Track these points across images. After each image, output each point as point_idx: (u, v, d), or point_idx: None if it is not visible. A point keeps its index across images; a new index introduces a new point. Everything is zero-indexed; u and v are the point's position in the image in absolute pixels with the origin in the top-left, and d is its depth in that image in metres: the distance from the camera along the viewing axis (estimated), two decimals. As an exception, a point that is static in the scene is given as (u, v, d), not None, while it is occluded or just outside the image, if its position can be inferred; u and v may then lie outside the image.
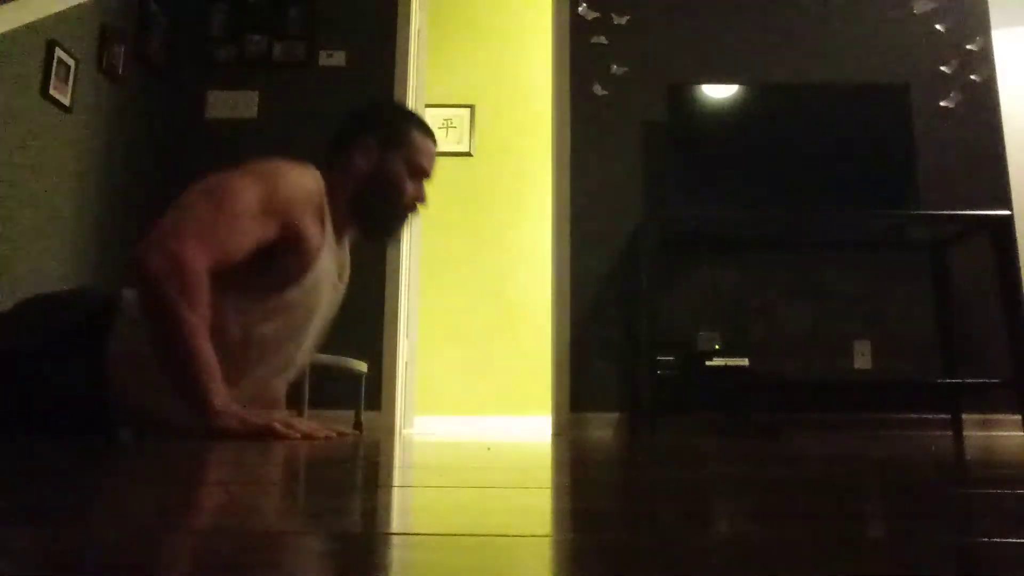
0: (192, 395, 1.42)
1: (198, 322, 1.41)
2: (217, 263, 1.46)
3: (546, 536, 0.39)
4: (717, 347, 3.14)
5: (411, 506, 0.51)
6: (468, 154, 5.09)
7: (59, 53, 2.67)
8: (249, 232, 1.48)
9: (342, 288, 1.77)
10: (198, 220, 1.44)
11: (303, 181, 1.56)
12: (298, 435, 1.47)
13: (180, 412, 1.49)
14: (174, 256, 1.40)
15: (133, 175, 3.24)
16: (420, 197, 1.74)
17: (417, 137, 1.72)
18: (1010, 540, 0.37)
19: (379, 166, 1.67)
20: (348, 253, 1.81)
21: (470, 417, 4.74)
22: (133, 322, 1.51)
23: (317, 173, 1.63)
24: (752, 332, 3.23)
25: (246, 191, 1.48)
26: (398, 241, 1.82)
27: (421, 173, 1.73)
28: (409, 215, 1.76)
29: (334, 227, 1.65)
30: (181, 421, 1.53)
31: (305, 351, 1.71)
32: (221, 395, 1.44)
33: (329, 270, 1.64)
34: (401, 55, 3.52)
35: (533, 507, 0.50)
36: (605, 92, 3.43)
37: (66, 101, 2.73)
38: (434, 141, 1.77)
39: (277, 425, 1.45)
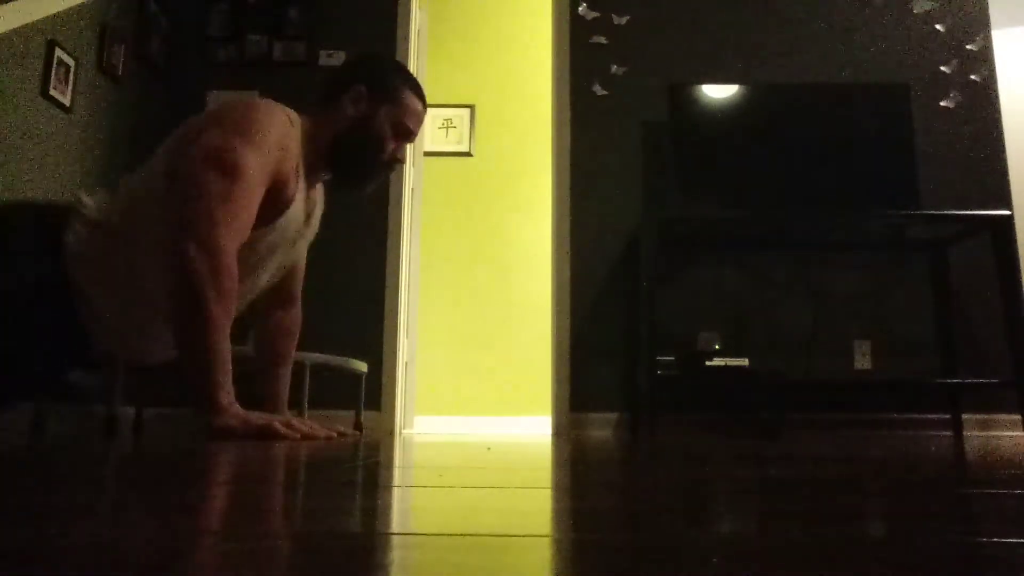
0: (201, 387, 1.43)
1: (224, 319, 1.44)
2: (241, 239, 1.49)
3: (546, 536, 0.39)
4: (717, 347, 3.14)
5: (411, 506, 0.51)
6: (468, 154, 5.09)
7: (59, 53, 2.67)
8: (257, 199, 1.52)
9: (308, 234, 1.77)
10: (222, 202, 1.45)
11: (284, 131, 1.58)
12: (298, 435, 1.48)
13: (149, 325, 1.51)
14: (214, 249, 1.42)
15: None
16: (400, 156, 1.75)
17: (408, 96, 1.73)
18: (1010, 540, 0.37)
19: (366, 116, 1.68)
20: (321, 198, 1.80)
21: (470, 417, 4.74)
22: (92, 224, 1.52)
23: (296, 117, 1.64)
24: (752, 332, 3.23)
25: (248, 157, 1.49)
26: (367, 193, 1.82)
27: (406, 133, 1.74)
28: (385, 171, 1.77)
29: (307, 171, 1.66)
30: (152, 347, 1.55)
31: (258, 287, 1.72)
32: (228, 394, 1.45)
33: (297, 213, 1.65)
34: (401, 55, 3.52)
35: (533, 507, 0.50)
36: (605, 92, 3.43)
37: (66, 101, 2.73)
38: (424, 104, 1.78)
39: (278, 425, 1.46)
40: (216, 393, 1.43)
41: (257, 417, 1.47)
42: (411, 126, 1.73)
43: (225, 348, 1.44)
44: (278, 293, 1.84)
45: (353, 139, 1.68)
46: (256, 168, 1.49)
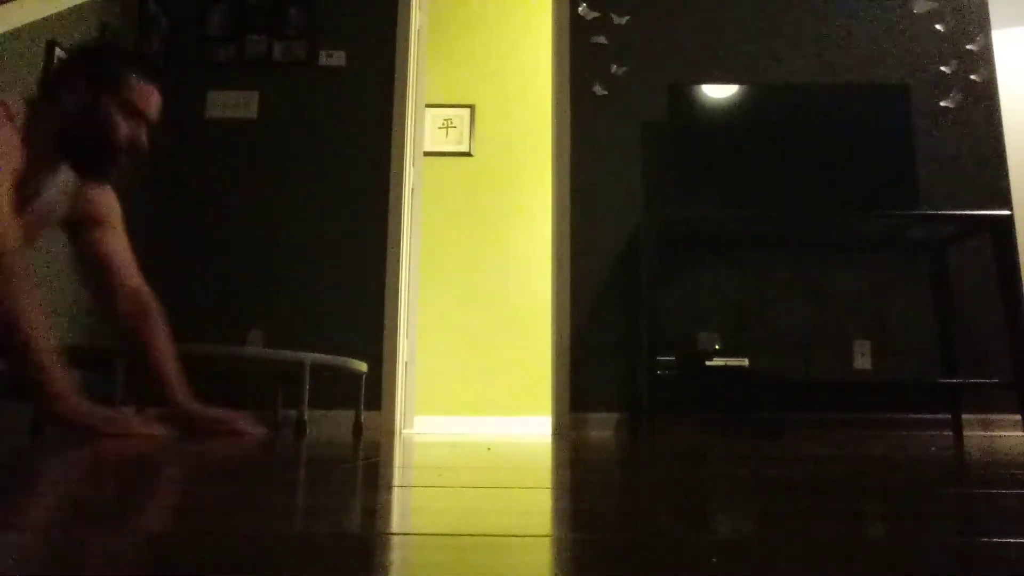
0: (32, 376, 1.46)
1: (28, 311, 1.46)
2: (11, 229, 1.50)
3: (546, 536, 0.39)
4: (717, 347, 3.14)
5: (411, 506, 0.51)
6: (468, 154, 5.09)
7: (59, 53, 2.66)
8: (9, 196, 1.53)
9: (85, 215, 1.82)
10: None
11: (9, 130, 1.57)
12: (119, 433, 1.52)
13: None
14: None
15: (132, 175, 3.24)
16: (137, 140, 1.74)
17: (134, 80, 1.72)
18: (1010, 540, 0.37)
19: (90, 107, 1.68)
20: (73, 187, 1.81)
21: (470, 417, 4.74)
22: None
23: (16, 108, 1.63)
24: (752, 332, 3.23)
25: None
26: (113, 180, 1.83)
27: (139, 115, 1.74)
28: (124, 156, 1.77)
29: (43, 155, 1.66)
30: None
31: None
32: (62, 381, 1.49)
33: (54, 197, 1.72)
34: (401, 55, 3.52)
35: (533, 507, 0.50)
36: (605, 92, 3.43)
37: (66, 101, 2.72)
38: (157, 85, 1.77)
39: (99, 423, 1.50)
40: (48, 379, 1.46)
41: (97, 410, 1.51)
42: (142, 107, 1.73)
43: (38, 337, 1.46)
44: (111, 288, 1.88)
45: (79, 131, 1.68)
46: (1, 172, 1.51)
